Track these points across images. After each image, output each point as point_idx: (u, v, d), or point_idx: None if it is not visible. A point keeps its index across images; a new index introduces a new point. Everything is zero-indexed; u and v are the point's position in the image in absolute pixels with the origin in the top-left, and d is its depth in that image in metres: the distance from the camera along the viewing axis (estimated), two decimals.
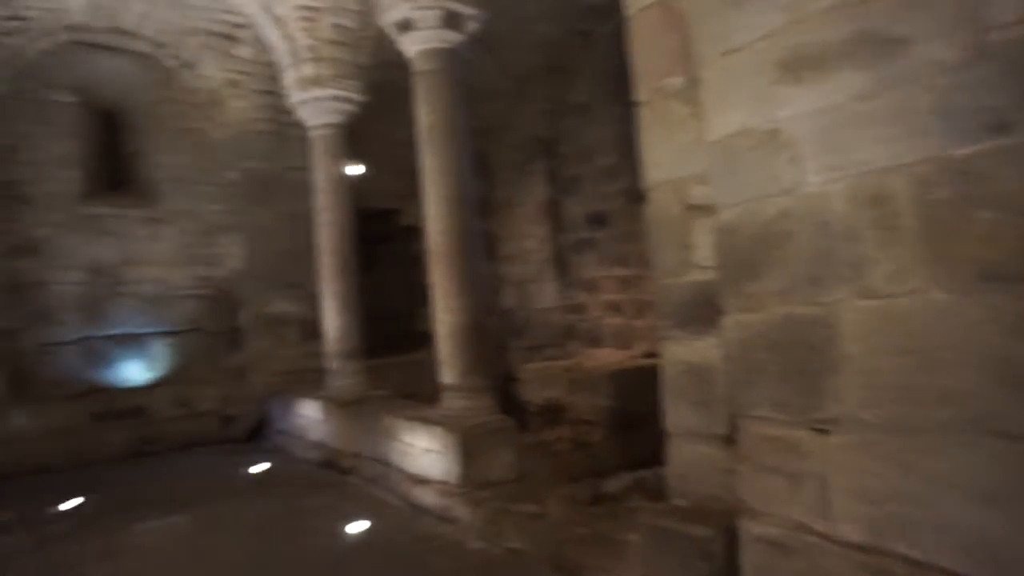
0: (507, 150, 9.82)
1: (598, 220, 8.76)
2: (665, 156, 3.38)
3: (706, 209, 3.20)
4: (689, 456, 3.35)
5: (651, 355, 7.88)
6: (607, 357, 8.19)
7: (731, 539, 2.77)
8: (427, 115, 4.92)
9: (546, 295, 9.46)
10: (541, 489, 4.38)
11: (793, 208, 2.47)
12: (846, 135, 2.30)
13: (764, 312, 2.57)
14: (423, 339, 10.24)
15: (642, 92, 3.53)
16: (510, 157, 9.77)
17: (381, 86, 7.84)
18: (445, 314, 4.83)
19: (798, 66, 2.43)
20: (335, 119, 6.75)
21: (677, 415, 3.39)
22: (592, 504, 4.06)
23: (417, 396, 8.93)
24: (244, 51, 7.97)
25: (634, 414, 6.60)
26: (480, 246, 8.95)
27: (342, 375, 6.54)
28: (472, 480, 4.38)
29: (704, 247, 3.22)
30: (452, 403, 4.78)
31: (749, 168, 2.61)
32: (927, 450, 2.13)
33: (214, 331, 8.13)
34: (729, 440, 3.18)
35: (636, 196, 8.72)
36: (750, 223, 2.61)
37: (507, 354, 9.97)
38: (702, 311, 3.25)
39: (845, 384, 2.33)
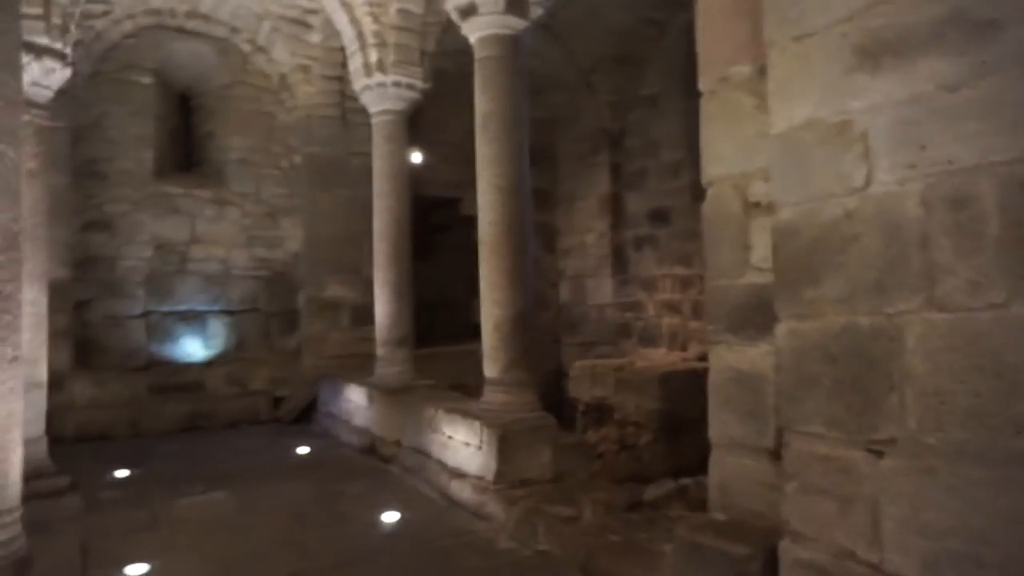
0: (572, 142, 9.65)
1: (660, 216, 8.51)
2: (727, 149, 3.18)
3: (767, 208, 2.99)
4: (732, 468, 3.15)
5: (705, 358, 7.60)
6: (660, 358, 7.96)
7: (770, 560, 2.58)
8: (485, 103, 4.82)
9: (603, 291, 9.27)
10: (578, 491, 4.24)
11: (860, 209, 2.25)
12: (927, 129, 2.08)
13: (821, 321, 2.36)
14: (478, 330, 10.24)
15: (706, 81, 3.34)
16: (574, 149, 9.60)
17: (447, 74, 7.80)
18: (492, 306, 4.74)
19: (878, 52, 2.21)
20: (398, 106, 6.73)
21: (722, 425, 3.20)
22: (629, 510, 3.90)
23: (465, 387, 8.90)
24: (314, 36, 8.06)
25: (683, 418, 6.37)
26: (538, 239, 8.90)
27: (390, 363, 6.53)
28: (507, 477, 4.28)
29: (763, 248, 3.02)
30: (493, 397, 4.68)
31: (814, 164, 2.40)
32: (999, 484, 1.90)
33: (270, 312, 8.29)
34: (776, 455, 2.98)
35: (700, 193, 8.41)
36: (811, 224, 2.40)
37: (559, 349, 9.83)
38: (757, 316, 3.04)
39: (907, 404, 2.11)
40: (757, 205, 3.03)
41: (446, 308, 9.89)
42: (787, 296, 2.49)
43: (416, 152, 8.75)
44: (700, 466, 6.46)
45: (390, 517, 4.35)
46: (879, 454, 2.20)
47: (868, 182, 2.24)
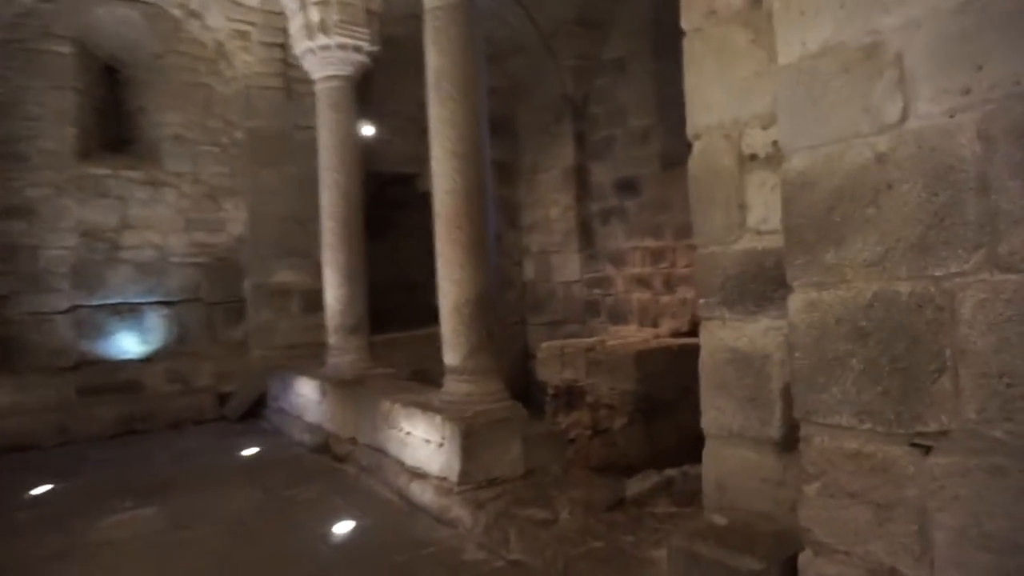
0: (532, 111, 9.14)
1: (628, 187, 8.09)
2: (716, 95, 2.73)
3: (767, 159, 2.56)
4: (732, 463, 2.75)
5: (680, 335, 7.23)
6: (632, 335, 7.57)
7: None
8: (437, 57, 4.29)
9: (569, 267, 8.83)
10: (553, 489, 3.81)
11: (895, 150, 1.82)
12: (985, 44, 1.65)
13: (847, 289, 1.94)
14: (439, 313, 9.76)
15: (690, 18, 2.86)
16: (536, 119, 9.10)
17: (398, 40, 7.23)
18: (450, 285, 4.25)
19: None
20: (344, 71, 6.14)
21: (718, 413, 2.79)
22: (610, 509, 3.48)
23: (427, 374, 8.41)
24: None
25: (659, 400, 6.00)
26: (499, 214, 8.41)
27: (343, 352, 6.01)
28: (473, 477, 3.83)
29: (761, 207, 2.59)
30: (455, 387, 4.21)
31: (834, 99, 1.96)
32: None
33: (213, 301, 7.67)
34: (785, 446, 2.58)
35: (671, 160, 8.07)
36: (832, 172, 1.97)
37: (524, 330, 9.40)
38: (756, 287, 2.62)
39: (963, 388, 1.71)
40: (754, 158, 2.60)
41: (404, 290, 9.36)
42: (802, 261, 2.06)
43: (367, 125, 8.18)
44: (678, 450, 6.10)
45: (344, 527, 3.88)
46: (926, 450, 1.79)
47: (904, 116, 1.81)
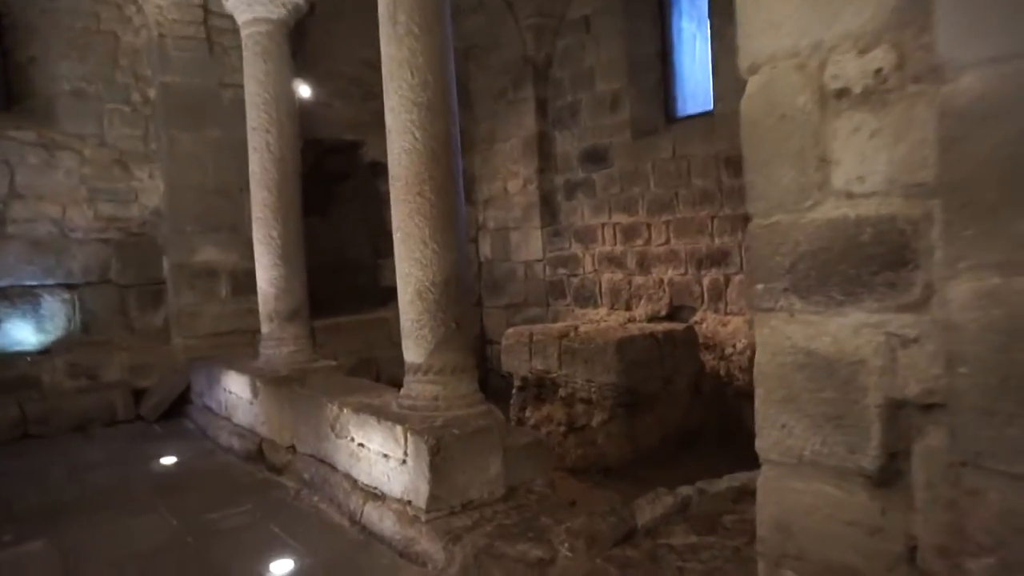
0: (489, 75, 8.33)
1: (596, 157, 7.40)
2: (786, 10, 2.04)
3: (865, 96, 1.87)
4: (802, 499, 2.10)
5: (659, 319, 6.64)
6: (604, 320, 6.94)
7: None
8: None
9: (531, 245, 8.12)
10: (544, 514, 3.13)
11: None
12: None
13: None
14: (388, 295, 8.93)
15: None
16: (493, 83, 8.31)
17: None
18: (411, 266, 3.48)
19: None
20: (274, 13, 5.21)
21: (782, 434, 2.12)
22: (619, 543, 2.81)
23: (376, 362, 7.65)
24: None
25: (643, 394, 5.39)
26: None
27: (279, 342, 5.17)
28: (445, 502, 3.11)
29: (855, 161, 1.90)
30: (419, 390, 3.47)
31: None
32: None
33: (126, 284, 6.65)
34: (882, 481, 1.94)
35: (643, 129, 7.42)
36: None
37: (481, 313, 8.68)
38: (845, 268, 1.95)
39: None
40: (844, 94, 1.91)
41: (349, 271, 8.52)
42: (973, 232, 1.39)
43: (304, 85, 7.25)
44: (662, 449, 5.50)
45: (282, 567, 3.10)
46: None
47: None
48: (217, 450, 5.07)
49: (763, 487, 2.19)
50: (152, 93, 6.82)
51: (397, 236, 3.53)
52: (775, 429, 2.14)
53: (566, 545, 2.78)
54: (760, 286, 2.15)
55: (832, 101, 1.95)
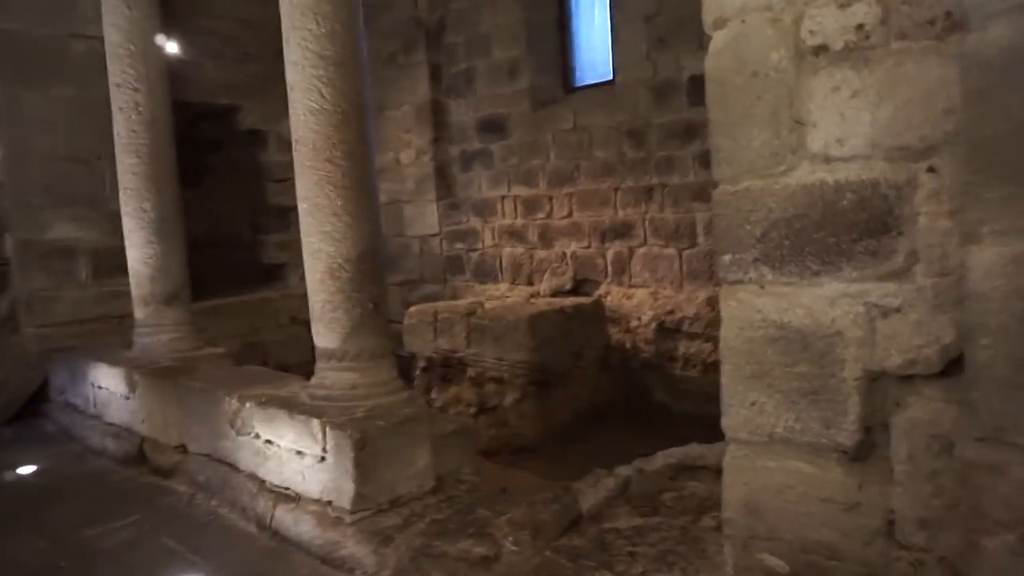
0: (378, 38, 7.83)
1: (494, 127, 7.17)
2: None
3: (846, 53, 1.77)
4: (774, 478, 2.01)
5: (563, 293, 6.55)
6: (507, 295, 6.79)
7: None
8: None
9: (426, 219, 7.80)
10: (480, 505, 2.93)
11: None
12: None
13: None
14: (271, 273, 8.32)
15: None
16: (382, 47, 7.83)
17: None
18: (320, 241, 3.13)
19: None
20: None
21: (752, 411, 2.03)
22: (566, 532, 2.67)
23: (263, 347, 7.12)
24: None
25: (554, 371, 5.30)
26: None
27: (157, 329, 4.61)
28: (372, 500, 2.84)
29: (834, 123, 1.80)
30: (334, 378, 3.14)
31: None
32: None
33: None
34: (858, 456, 1.88)
35: (542, 99, 7.26)
36: None
37: None
38: (822, 236, 1.86)
39: None
40: (822, 50, 1.81)
41: (226, 248, 7.83)
42: (999, 195, 1.30)
43: (171, 42, 6.49)
44: (573, 425, 5.44)
45: None
46: None
47: None
48: (87, 454, 4.46)
49: (730, 467, 2.09)
50: None
51: (303, 207, 3.16)
52: (744, 407, 2.04)
53: (510, 539, 2.59)
54: (727, 257, 2.04)
55: (809, 58, 1.84)
